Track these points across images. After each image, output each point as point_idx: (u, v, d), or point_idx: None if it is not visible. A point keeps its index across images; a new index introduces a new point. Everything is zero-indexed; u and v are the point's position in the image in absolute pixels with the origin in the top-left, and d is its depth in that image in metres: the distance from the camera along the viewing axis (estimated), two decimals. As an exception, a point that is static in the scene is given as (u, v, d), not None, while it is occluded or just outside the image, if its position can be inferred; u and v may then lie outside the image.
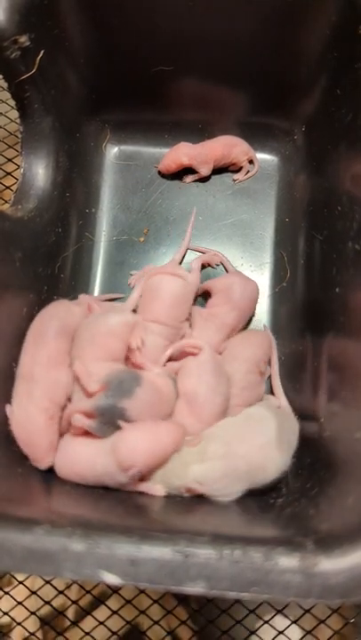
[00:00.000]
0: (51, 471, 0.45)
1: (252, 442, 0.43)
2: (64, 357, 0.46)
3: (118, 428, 0.43)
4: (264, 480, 0.43)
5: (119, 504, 0.41)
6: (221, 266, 0.60)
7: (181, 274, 0.53)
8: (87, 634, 0.52)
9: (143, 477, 0.42)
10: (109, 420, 0.43)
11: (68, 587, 0.54)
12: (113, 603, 0.54)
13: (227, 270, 0.59)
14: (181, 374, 0.49)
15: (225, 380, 0.49)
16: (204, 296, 0.58)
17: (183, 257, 0.59)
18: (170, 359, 0.51)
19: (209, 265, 0.59)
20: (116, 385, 0.44)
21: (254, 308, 0.56)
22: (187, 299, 0.53)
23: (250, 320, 0.57)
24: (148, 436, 0.42)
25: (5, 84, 0.47)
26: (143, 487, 0.42)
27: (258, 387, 0.51)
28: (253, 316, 0.57)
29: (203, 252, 0.59)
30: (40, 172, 0.52)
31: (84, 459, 0.43)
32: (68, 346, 0.47)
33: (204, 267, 0.58)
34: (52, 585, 0.53)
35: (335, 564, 0.29)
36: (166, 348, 0.50)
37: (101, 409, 0.43)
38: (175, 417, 0.47)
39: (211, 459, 0.42)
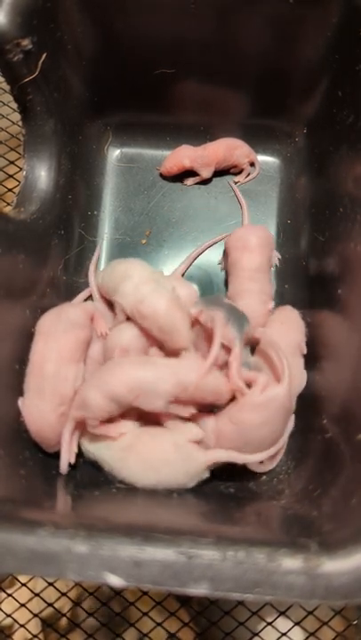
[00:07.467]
0: (53, 473, 0.45)
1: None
2: (73, 354, 0.47)
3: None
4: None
5: (121, 505, 0.41)
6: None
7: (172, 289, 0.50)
8: (90, 635, 0.52)
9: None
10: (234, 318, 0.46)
11: (71, 589, 0.54)
12: (115, 605, 0.54)
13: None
14: (243, 404, 0.44)
15: (288, 418, 0.47)
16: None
17: (187, 269, 0.59)
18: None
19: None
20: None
21: (272, 251, 0.57)
22: (182, 321, 0.48)
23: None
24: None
25: (8, 87, 0.48)
26: (103, 429, 0.44)
27: (302, 368, 0.51)
28: (273, 266, 0.58)
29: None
30: (42, 175, 0.52)
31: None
32: (76, 344, 0.48)
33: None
34: (54, 587, 0.53)
35: (339, 566, 0.29)
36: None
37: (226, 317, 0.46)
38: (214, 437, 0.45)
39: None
